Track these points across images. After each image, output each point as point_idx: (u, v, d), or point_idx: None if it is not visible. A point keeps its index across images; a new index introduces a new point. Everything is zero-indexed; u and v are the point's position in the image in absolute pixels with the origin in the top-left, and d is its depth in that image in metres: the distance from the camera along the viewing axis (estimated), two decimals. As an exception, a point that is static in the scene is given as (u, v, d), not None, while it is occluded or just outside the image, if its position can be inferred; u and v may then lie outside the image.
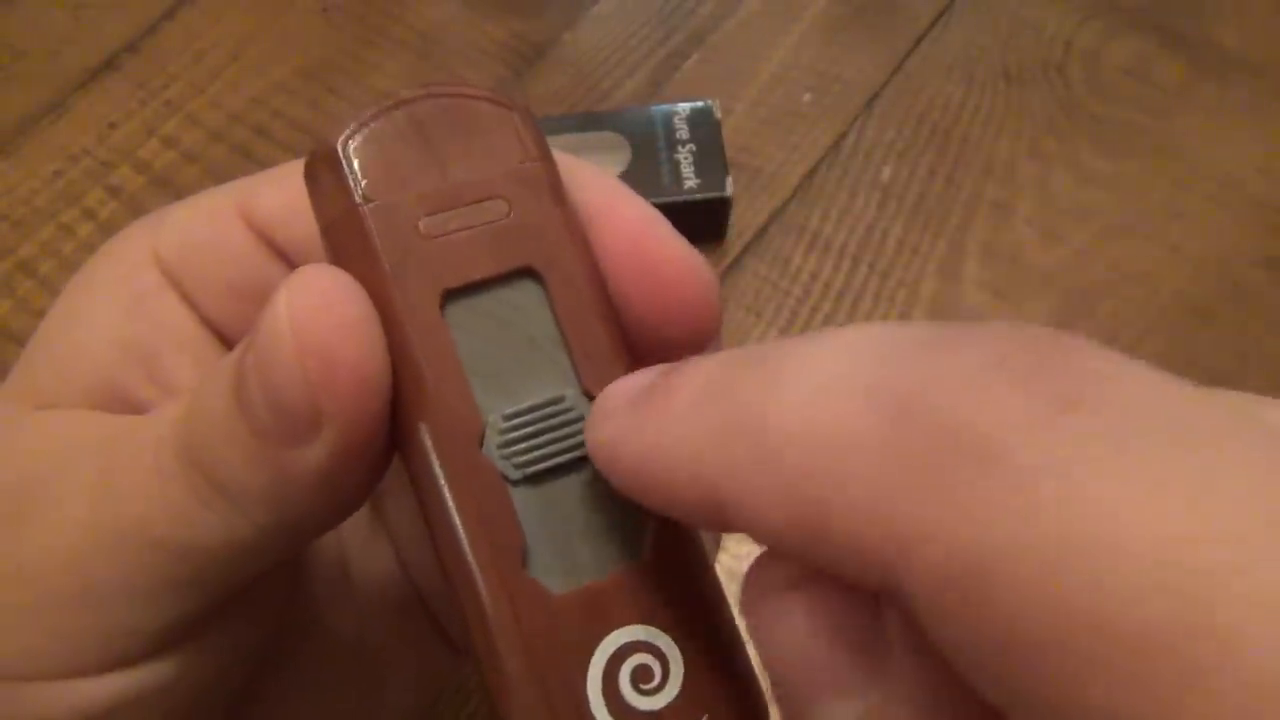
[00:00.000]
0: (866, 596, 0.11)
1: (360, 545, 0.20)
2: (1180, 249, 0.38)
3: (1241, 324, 0.37)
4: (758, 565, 0.12)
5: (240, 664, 0.17)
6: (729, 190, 0.37)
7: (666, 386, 0.12)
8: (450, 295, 0.14)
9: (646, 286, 0.15)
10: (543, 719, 0.13)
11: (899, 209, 0.39)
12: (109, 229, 0.39)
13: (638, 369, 0.14)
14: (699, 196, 0.37)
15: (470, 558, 0.13)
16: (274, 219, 0.17)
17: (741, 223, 0.39)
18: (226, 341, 0.18)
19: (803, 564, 0.11)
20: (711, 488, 0.11)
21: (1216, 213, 0.39)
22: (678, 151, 0.38)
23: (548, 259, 0.14)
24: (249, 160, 0.41)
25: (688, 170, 0.37)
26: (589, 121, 0.39)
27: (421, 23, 0.45)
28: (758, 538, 0.11)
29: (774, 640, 0.12)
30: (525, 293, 0.14)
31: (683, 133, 0.38)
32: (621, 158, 0.38)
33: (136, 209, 0.40)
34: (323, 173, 0.14)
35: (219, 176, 0.41)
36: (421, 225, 0.14)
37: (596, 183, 0.16)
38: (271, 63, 0.44)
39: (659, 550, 0.14)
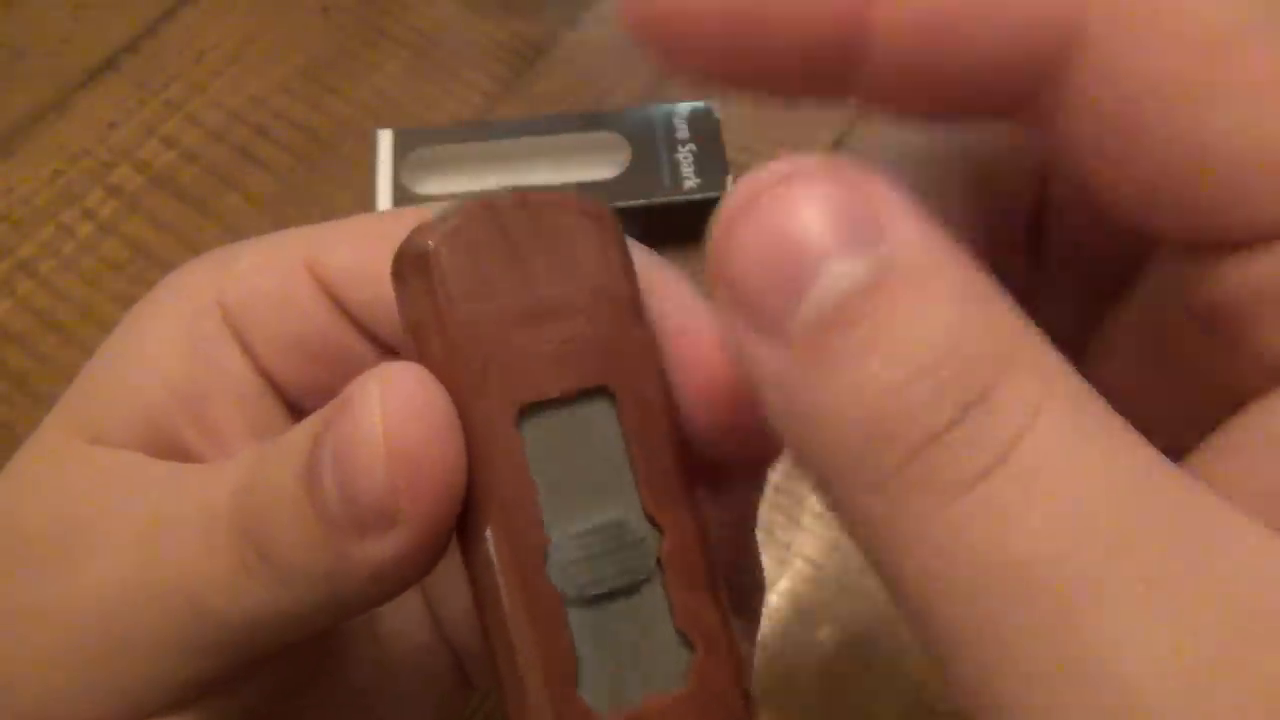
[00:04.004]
0: None
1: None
2: (1180, 249, 0.38)
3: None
4: None
5: (261, 711, 0.17)
6: (729, 190, 0.37)
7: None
8: (526, 409, 0.14)
9: (715, 412, 0.15)
10: None
11: (899, 209, 0.39)
12: (109, 229, 0.39)
13: (697, 498, 0.15)
14: (699, 196, 0.37)
15: (524, 673, 0.14)
16: (343, 278, 0.17)
17: (741, 223, 0.39)
18: (282, 393, 0.18)
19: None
20: None
21: (1216, 212, 0.39)
22: (678, 151, 0.38)
23: (622, 380, 0.15)
24: (249, 160, 0.41)
25: (688, 170, 0.37)
26: (589, 121, 0.39)
27: (421, 23, 0.45)
28: None
29: None
30: (598, 411, 0.15)
31: (683, 133, 0.38)
32: (621, 158, 0.38)
33: (136, 209, 0.40)
34: (410, 274, 0.15)
35: (219, 176, 0.41)
36: (504, 337, 0.14)
37: (677, 297, 0.16)
38: (271, 63, 0.44)
39: (700, 682, 0.14)
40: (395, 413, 0.13)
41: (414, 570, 0.14)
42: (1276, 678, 0.10)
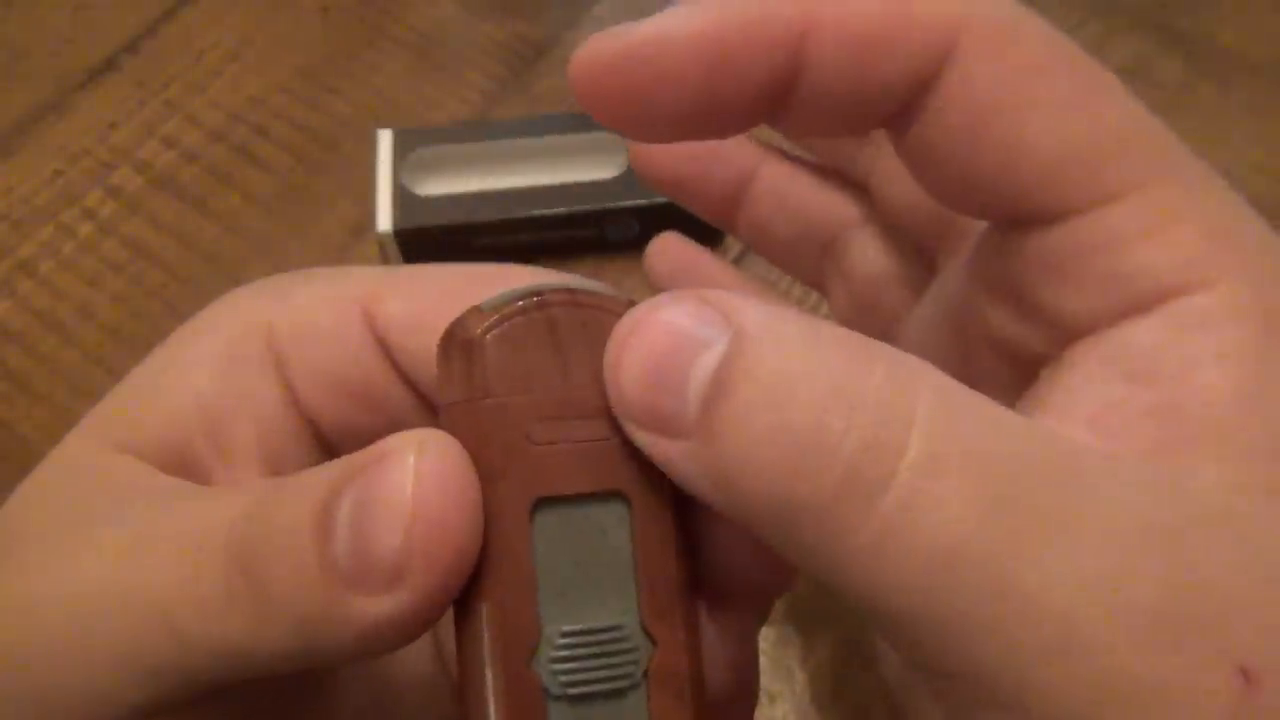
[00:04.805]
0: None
1: None
2: (1180, 249, 0.38)
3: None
4: None
5: None
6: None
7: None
8: (541, 502, 0.14)
9: (736, 547, 0.16)
10: None
11: (899, 209, 0.39)
12: (109, 229, 0.39)
13: (696, 614, 0.15)
14: (699, 196, 0.37)
15: None
16: (395, 327, 0.17)
17: (741, 223, 0.39)
18: (314, 428, 0.18)
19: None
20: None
21: (1216, 213, 0.39)
22: (677, 151, 0.38)
23: (639, 487, 0.15)
24: (249, 160, 0.41)
25: (687, 170, 0.37)
26: (589, 122, 0.39)
27: (421, 23, 0.45)
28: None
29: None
30: (612, 513, 0.15)
31: (682, 133, 0.38)
32: (621, 158, 0.38)
33: (136, 209, 0.40)
34: (455, 355, 0.15)
35: (219, 176, 0.41)
36: (531, 431, 0.14)
37: None
38: (271, 63, 0.44)
39: None
40: (426, 480, 0.13)
41: (398, 636, 0.14)
42: (1151, 575, 0.12)
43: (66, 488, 0.16)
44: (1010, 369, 0.17)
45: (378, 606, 0.13)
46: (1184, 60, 0.43)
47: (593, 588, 0.14)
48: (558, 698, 0.14)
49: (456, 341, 0.15)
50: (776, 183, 0.24)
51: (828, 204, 0.24)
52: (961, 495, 0.12)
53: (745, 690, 0.17)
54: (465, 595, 0.14)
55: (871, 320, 0.23)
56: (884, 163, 0.22)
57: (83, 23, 0.45)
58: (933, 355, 0.18)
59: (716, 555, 0.16)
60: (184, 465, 0.17)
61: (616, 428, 0.15)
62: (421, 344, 0.17)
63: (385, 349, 0.17)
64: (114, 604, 0.14)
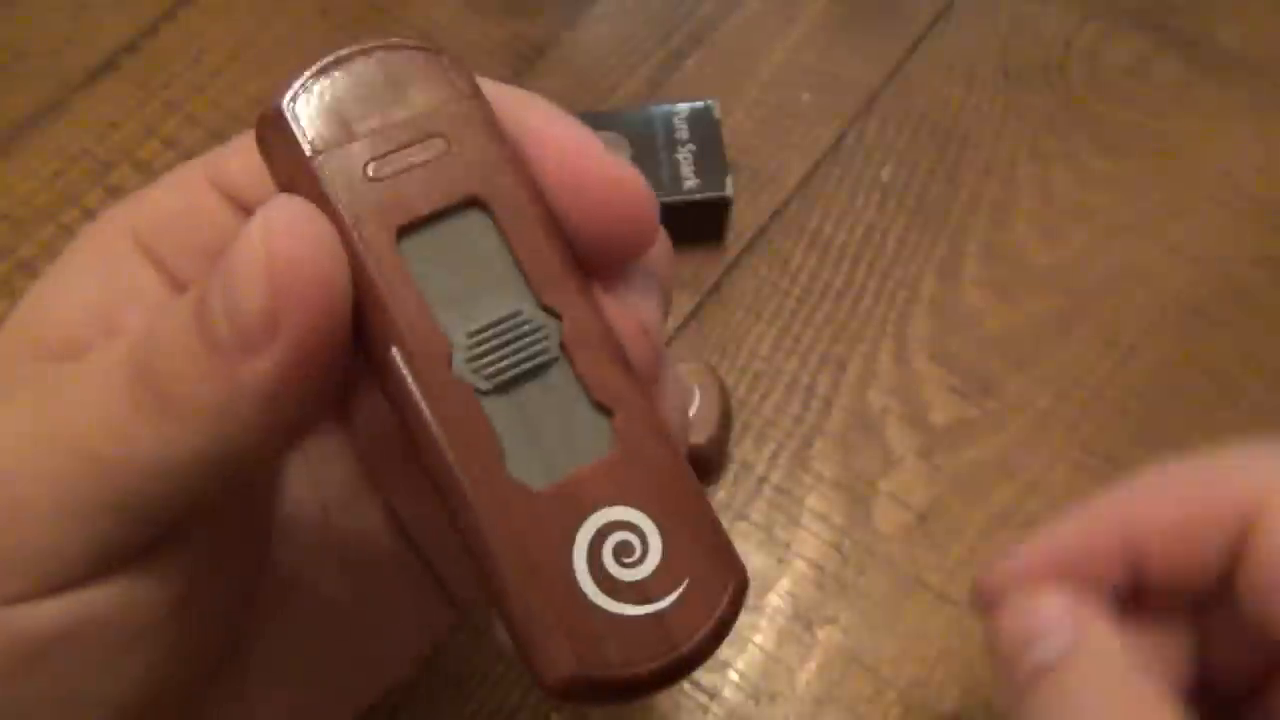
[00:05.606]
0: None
1: (344, 504, 0.21)
2: (1180, 249, 0.38)
3: (1241, 324, 0.37)
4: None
5: (205, 609, 0.17)
6: (729, 190, 0.37)
7: None
8: (404, 231, 0.15)
9: (585, 203, 0.16)
10: (536, 600, 0.14)
11: (899, 209, 0.39)
12: (109, 229, 0.39)
13: (588, 286, 0.16)
14: (699, 196, 0.37)
15: (454, 466, 0.14)
16: (243, 182, 0.18)
17: (741, 223, 0.39)
18: None
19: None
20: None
21: (1216, 212, 0.39)
22: (677, 151, 0.38)
23: (490, 188, 0.16)
24: (249, 160, 0.41)
25: (687, 170, 0.37)
26: (588, 121, 0.39)
27: (421, 23, 0.45)
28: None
29: None
30: (474, 222, 0.16)
31: (682, 133, 0.38)
32: (620, 157, 0.38)
33: (136, 209, 0.40)
34: (272, 135, 0.16)
35: (219, 176, 0.41)
36: (369, 169, 0.15)
37: (530, 109, 0.17)
38: (271, 63, 0.44)
39: (625, 441, 0.15)
40: (276, 229, 0.14)
41: (300, 396, 0.14)
42: None
43: None
44: None
45: (266, 362, 0.14)
46: (1184, 60, 0.43)
47: (482, 289, 0.15)
48: (487, 392, 0.15)
49: (268, 122, 0.16)
50: None
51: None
52: None
53: (654, 360, 0.17)
54: (368, 346, 0.15)
55: None
56: None
57: (83, 23, 0.45)
58: None
59: (577, 234, 0.16)
60: None
61: (451, 144, 0.15)
62: (270, 190, 0.17)
63: (241, 207, 0.18)
64: (37, 453, 0.15)
